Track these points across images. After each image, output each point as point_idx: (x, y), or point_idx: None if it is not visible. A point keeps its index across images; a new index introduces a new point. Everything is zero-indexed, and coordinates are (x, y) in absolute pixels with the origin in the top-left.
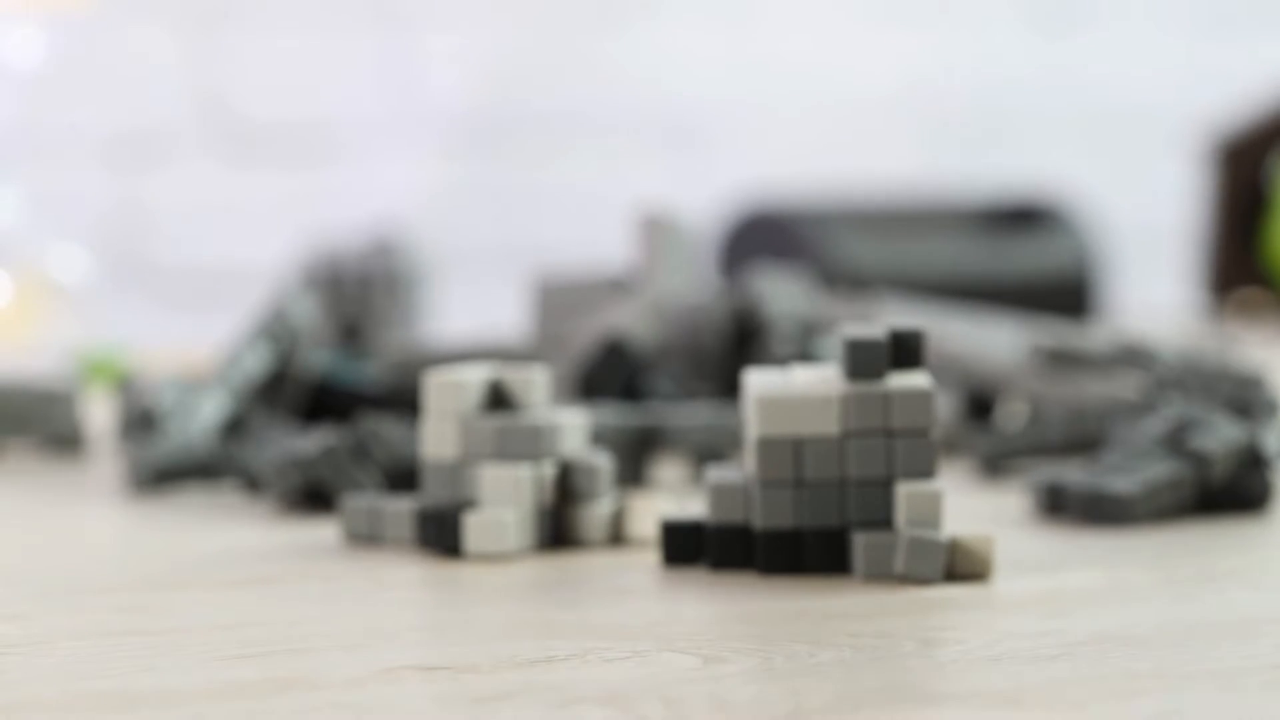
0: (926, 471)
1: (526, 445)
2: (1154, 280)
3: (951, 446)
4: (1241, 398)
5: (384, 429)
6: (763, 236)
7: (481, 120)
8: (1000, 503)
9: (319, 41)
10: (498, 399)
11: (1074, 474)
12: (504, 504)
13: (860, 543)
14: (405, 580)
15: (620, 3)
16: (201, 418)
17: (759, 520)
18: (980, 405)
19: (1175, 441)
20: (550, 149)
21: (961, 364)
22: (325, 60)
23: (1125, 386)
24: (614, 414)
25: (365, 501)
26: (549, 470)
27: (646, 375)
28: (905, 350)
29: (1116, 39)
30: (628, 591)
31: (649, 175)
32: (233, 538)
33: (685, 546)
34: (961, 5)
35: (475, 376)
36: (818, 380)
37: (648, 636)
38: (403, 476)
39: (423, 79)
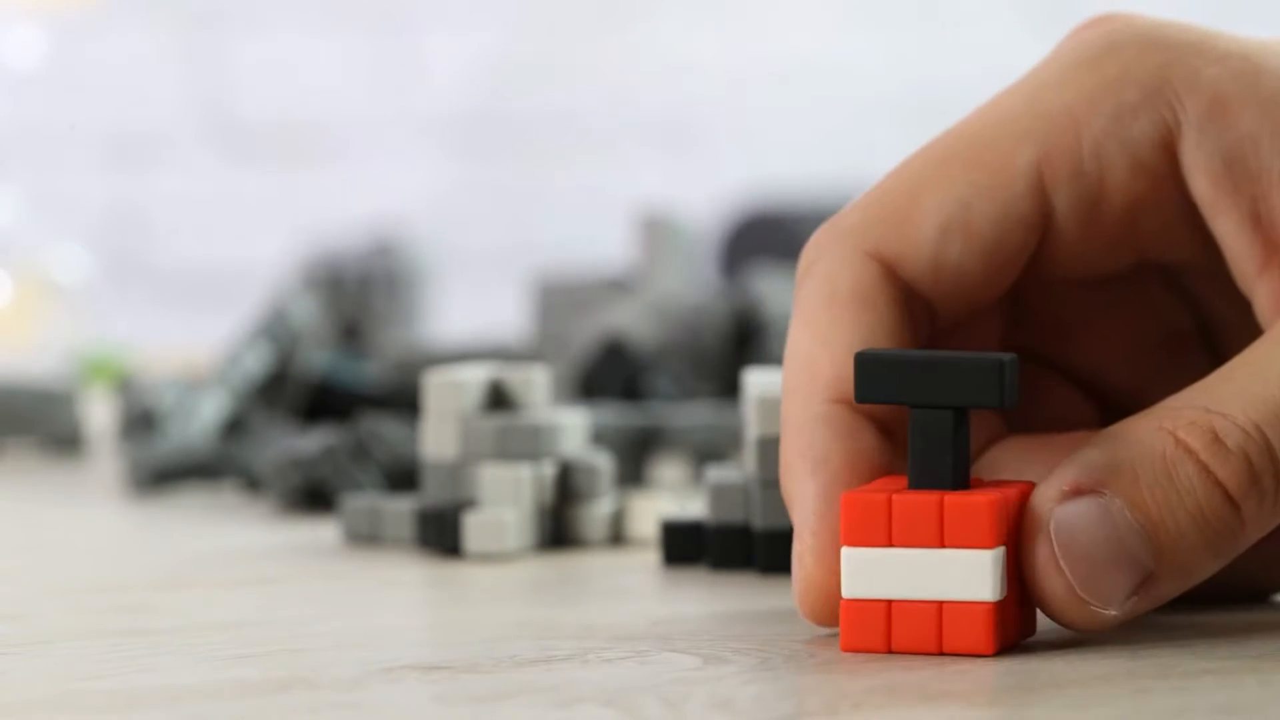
0: None
1: (526, 445)
2: None
3: None
4: None
5: (384, 429)
6: (763, 236)
7: (482, 120)
8: None
9: (318, 41)
10: (498, 399)
11: None
12: (504, 504)
13: None
14: (405, 580)
15: (620, 3)
16: (201, 418)
17: (759, 520)
18: None
19: None
20: (550, 149)
21: None
22: (325, 60)
23: None
24: (614, 414)
25: (365, 501)
26: (549, 470)
27: (646, 375)
28: None
29: None
30: (628, 591)
31: (649, 175)
32: (233, 538)
33: (685, 546)
34: (961, 5)
35: (475, 376)
36: None
37: (648, 636)
38: (403, 476)
39: (423, 79)
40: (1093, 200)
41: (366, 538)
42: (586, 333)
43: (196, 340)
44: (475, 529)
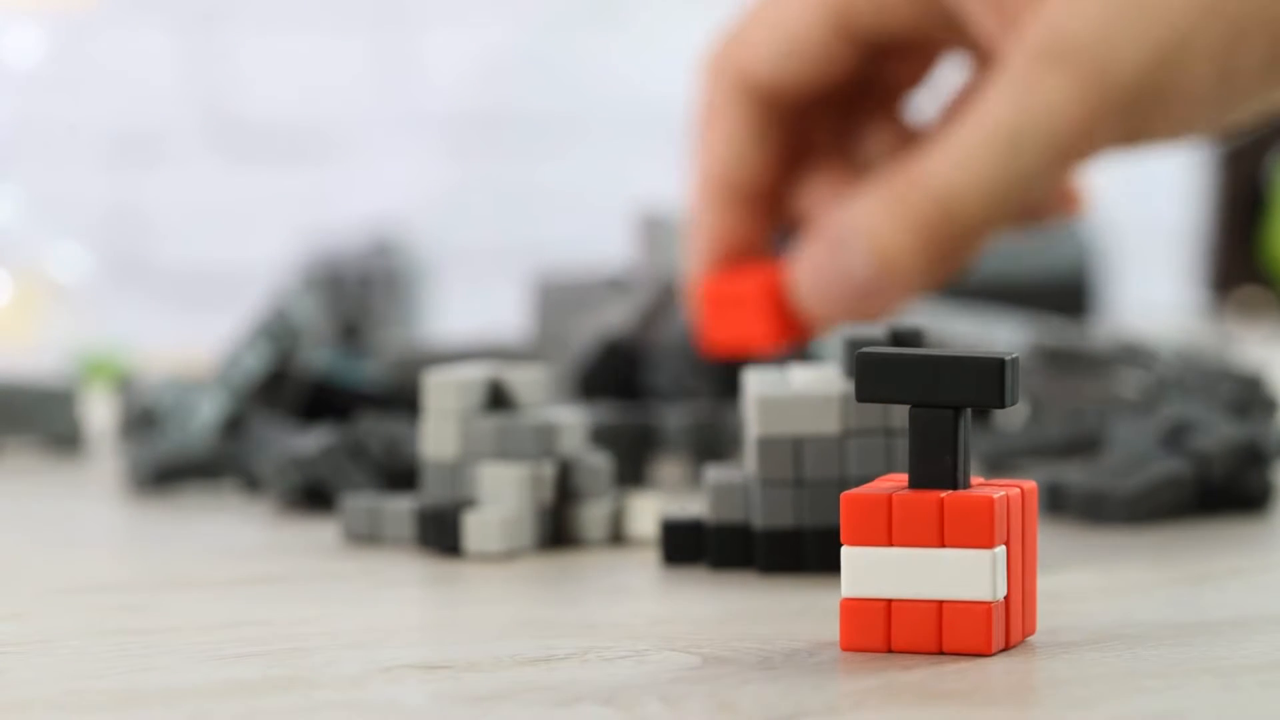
0: None
1: (526, 445)
2: (1154, 279)
3: None
4: (1241, 397)
5: (384, 429)
6: None
7: (481, 120)
8: None
9: (318, 41)
10: (498, 398)
11: (1074, 474)
12: (504, 503)
13: None
14: (405, 580)
15: (620, 2)
16: (201, 417)
17: (759, 520)
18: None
19: (1175, 441)
20: (550, 148)
21: None
22: (324, 60)
23: (1125, 386)
24: (613, 413)
25: (365, 501)
26: (549, 469)
27: (646, 374)
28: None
29: None
30: (627, 591)
31: (649, 175)
32: (233, 538)
33: (685, 546)
34: None
35: (475, 376)
36: (818, 380)
37: (648, 636)
38: (403, 476)
39: (422, 79)
40: None
41: (366, 537)
42: (586, 332)
43: (196, 340)
44: (475, 529)
